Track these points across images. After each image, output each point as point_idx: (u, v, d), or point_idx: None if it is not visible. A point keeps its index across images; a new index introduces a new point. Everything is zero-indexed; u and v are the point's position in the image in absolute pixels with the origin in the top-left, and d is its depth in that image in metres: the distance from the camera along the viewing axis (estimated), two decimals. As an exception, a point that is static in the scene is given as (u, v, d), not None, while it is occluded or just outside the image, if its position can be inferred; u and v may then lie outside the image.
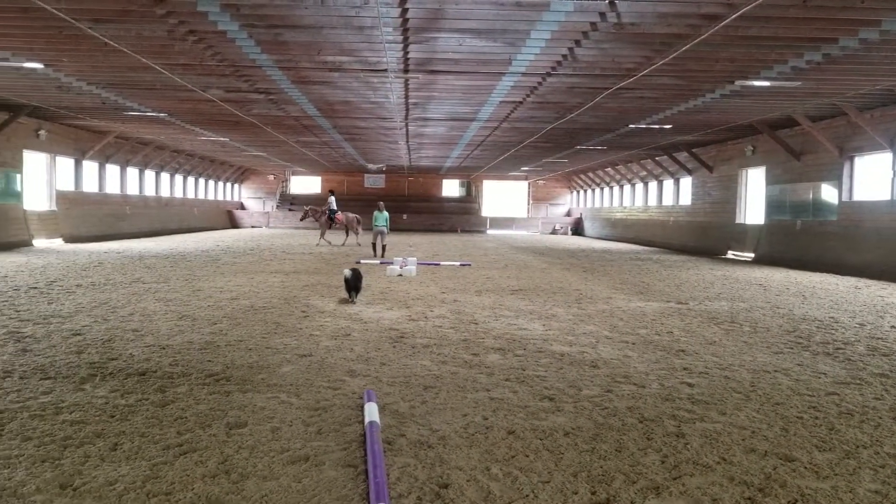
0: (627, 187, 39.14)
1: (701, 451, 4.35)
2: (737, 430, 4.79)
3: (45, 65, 14.35)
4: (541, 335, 8.19)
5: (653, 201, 35.25)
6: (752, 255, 23.32)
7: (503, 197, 52.09)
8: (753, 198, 25.12)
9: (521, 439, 4.47)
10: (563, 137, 25.19)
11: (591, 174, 43.28)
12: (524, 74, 14.10)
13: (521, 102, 17.64)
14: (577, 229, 47.09)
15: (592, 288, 13.50)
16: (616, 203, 41.09)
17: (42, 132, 24.29)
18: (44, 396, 5.13)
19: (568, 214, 50.43)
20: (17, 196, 23.35)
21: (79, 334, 7.58)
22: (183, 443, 4.21)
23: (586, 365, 6.65)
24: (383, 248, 21.35)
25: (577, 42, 11.49)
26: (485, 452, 4.22)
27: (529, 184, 51.32)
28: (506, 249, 27.15)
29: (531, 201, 51.49)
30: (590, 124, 21.49)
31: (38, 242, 23.36)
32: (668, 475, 3.94)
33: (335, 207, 28.66)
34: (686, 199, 30.82)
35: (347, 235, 29.11)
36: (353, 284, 10.75)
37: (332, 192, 30.30)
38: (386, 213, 21.40)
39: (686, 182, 30.89)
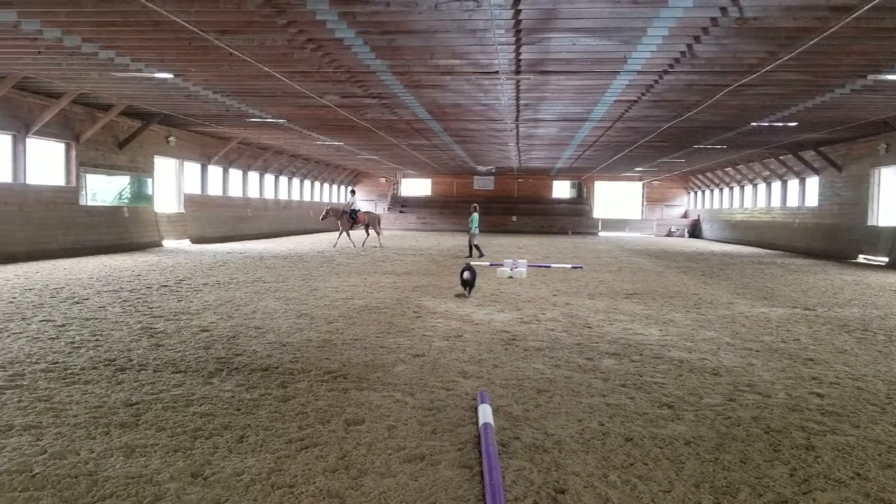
0: (749, 188, 37.54)
1: (833, 465, 4.11)
2: (872, 444, 4.50)
3: (174, 75, 15.21)
4: (658, 341, 7.97)
5: (776, 202, 33.66)
6: (886, 259, 21.85)
7: (616, 198, 51.06)
8: (887, 198, 23.56)
9: (640, 447, 4.36)
10: (680, 136, 24.46)
11: (709, 174, 41.79)
12: (640, 73, 13.78)
13: (636, 101, 17.26)
14: (695, 231, 45.53)
15: (712, 292, 13.02)
16: (736, 204, 39.48)
17: (171, 139, 25.78)
18: (175, 389, 5.42)
19: (684, 216, 48.88)
20: (149, 199, 24.89)
21: (206, 330, 7.98)
22: (304, 437, 4.35)
23: (707, 372, 6.41)
24: (476, 248, 21.54)
25: (696, 38, 11.13)
26: (602, 459, 4.14)
27: (644, 184, 50.11)
28: (619, 252, 26.62)
29: (645, 202, 50.24)
30: (709, 122, 20.77)
31: (168, 243, 24.78)
32: (798, 489, 3.74)
33: (357, 207, 28.08)
34: (812, 199, 29.25)
35: (368, 235, 28.35)
36: (470, 281, 11.68)
37: (353, 192, 30.32)
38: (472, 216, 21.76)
39: (812, 182, 29.32)
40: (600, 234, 47.03)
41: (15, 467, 3.75)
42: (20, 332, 7.60)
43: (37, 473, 3.69)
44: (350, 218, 27.09)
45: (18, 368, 5.95)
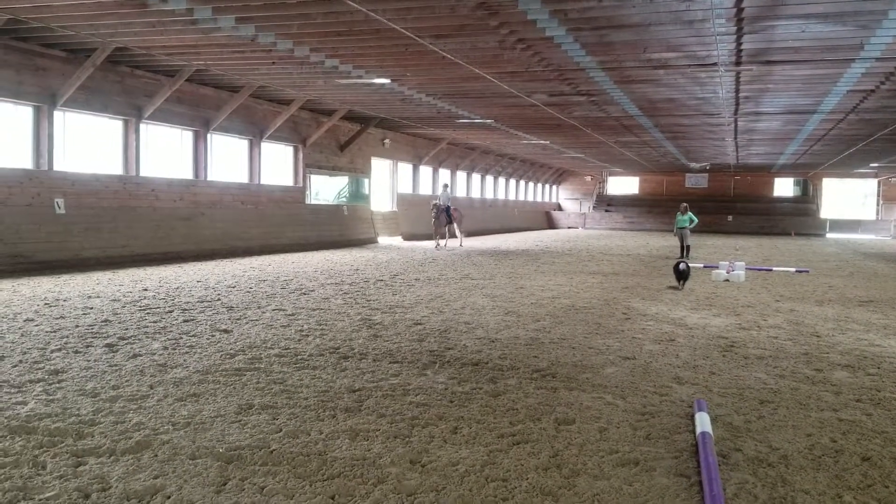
0: None
1: None
2: None
3: (391, 80, 16.02)
4: (899, 353, 7.19)
5: None
6: None
7: (846, 197, 46.68)
8: None
9: (879, 468, 3.96)
10: (924, 128, 21.91)
11: (959, 170, 37.04)
12: (878, 59, 12.51)
13: (873, 91, 15.68)
14: (940, 234, 40.53)
15: (964, 302, 11.53)
16: None
17: (386, 141, 27.20)
18: (393, 378, 5.69)
19: (928, 216, 43.67)
20: (366, 198, 26.43)
21: (419, 324, 8.31)
22: (515, 433, 4.39)
23: (961, 392, 5.68)
24: (687, 248, 20.54)
25: (951, 17, 9.90)
26: (834, 478, 3.80)
27: (879, 182, 45.37)
28: (850, 255, 24.32)
29: (881, 201, 45.47)
30: (962, 111, 18.42)
31: (382, 240, 26.15)
32: None
33: (447, 203, 24.64)
34: None
35: (455, 235, 25.75)
36: (685, 273, 12.51)
37: (445, 186, 26.24)
38: (684, 216, 20.71)
39: None
40: (828, 235, 43.23)
41: (255, 443, 4.12)
42: (256, 320, 8.37)
43: (274, 450, 4.02)
44: (446, 215, 24.51)
45: (256, 353, 6.54)
